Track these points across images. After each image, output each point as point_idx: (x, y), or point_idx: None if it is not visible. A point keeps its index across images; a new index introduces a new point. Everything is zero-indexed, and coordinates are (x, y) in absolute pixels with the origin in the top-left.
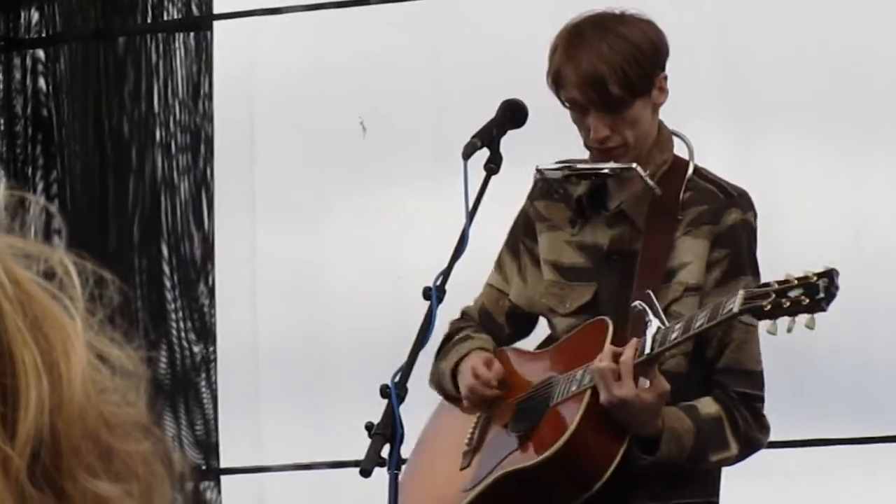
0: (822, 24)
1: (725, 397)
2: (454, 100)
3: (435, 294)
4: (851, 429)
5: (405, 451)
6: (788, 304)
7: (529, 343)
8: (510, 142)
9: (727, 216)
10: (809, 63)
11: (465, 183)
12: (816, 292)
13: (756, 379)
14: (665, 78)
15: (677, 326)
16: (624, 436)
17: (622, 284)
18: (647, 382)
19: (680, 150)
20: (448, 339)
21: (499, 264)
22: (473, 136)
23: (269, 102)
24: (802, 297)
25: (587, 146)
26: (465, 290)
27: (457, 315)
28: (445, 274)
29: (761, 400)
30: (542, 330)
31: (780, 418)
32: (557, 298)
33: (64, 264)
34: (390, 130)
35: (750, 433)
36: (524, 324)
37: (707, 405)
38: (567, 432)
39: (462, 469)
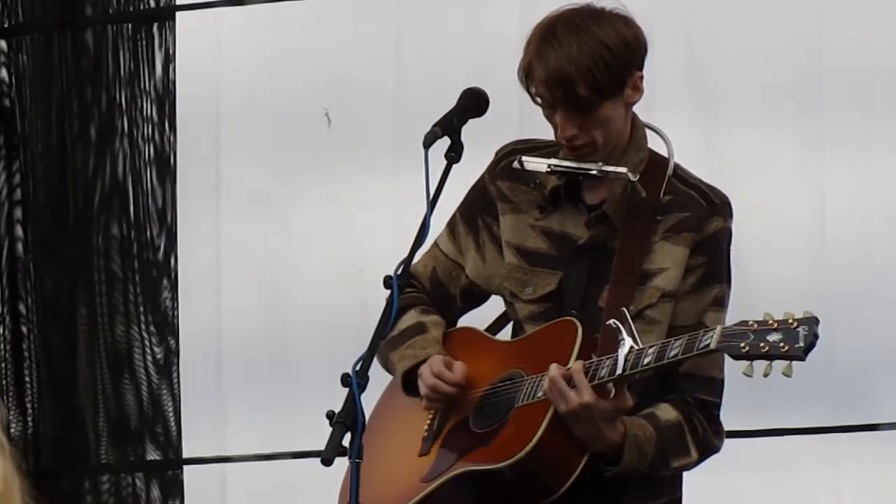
0: (785, 11)
1: (683, 403)
2: (416, 90)
3: (396, 283)
4: (815, 418)
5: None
6: (767, 348)
7: (480, 316)
8: (471, 130)
9: (709, 224)
10: (773, 51)
11: (426, 172)
12: (796, 340)
13: (716, 387)
14: (641, 77)
15: (650, 351)
16: (586, 448)
17: (591, 279)
18: (612, 392)
19: (655, 143)
20: (399, 314)
21: (452, 232)
22: (434, 125)
23: (232, 92)
24: (782, 344)
25: (558, 141)
26: None
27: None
28: (406, 262)
29: (718, 408)
30: (492, 305)
31: (743, 409)
32: (520, 283)
33: None
34: (352, 120)
35: (707, 438)
36: (478, 299)
37: (666, 412)
38: (532, 441)
39: (421, 456)
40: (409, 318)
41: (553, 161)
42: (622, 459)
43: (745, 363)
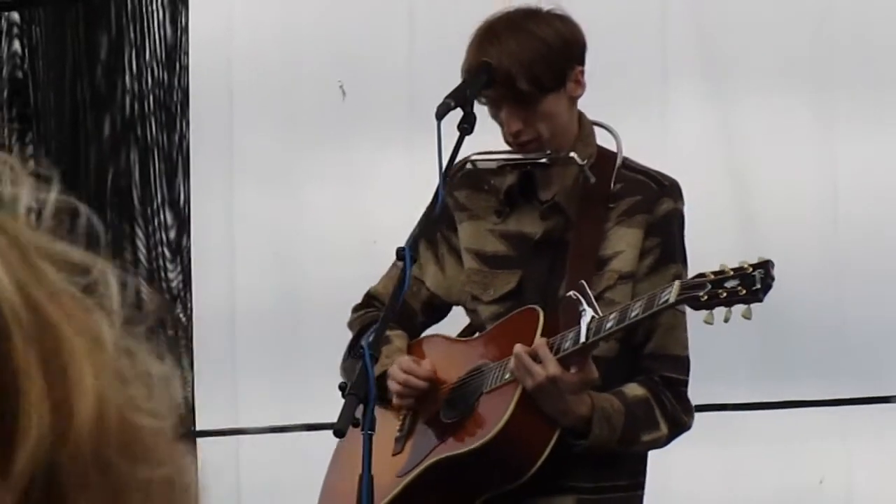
0: None
1: (650, 381)
2: (430, 62)
3: (408, 254)
4: (827, 391)
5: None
6: (724, 294)
7: (443, 329)
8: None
9: (660, 205)
10: (785, 24)
11: (438, 143)
12: (753, 283)
13: (682, 364)
14: (582, 72)
15: (612, 316)
16: (556, 423)
17: (551, 273)
18: (575, 369)
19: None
20: (362, 332)
21: None
22: (447, 97)
23: (245, 66)
24: (739, 288)
25: (506, 141)
26: None
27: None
28: (418, 234)
29: (686, 384)
30: (454, 318)
31: (755, 381)
32: (481, 286)
33: (104, 275)
34: (366, 93)
35: (676, 415)
36: (439, 312)
37: (633, 389)
38: (501, 421)
39: (395, 455)
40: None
41: (503, 155)
42: (591, 432)
43: (705, 312)
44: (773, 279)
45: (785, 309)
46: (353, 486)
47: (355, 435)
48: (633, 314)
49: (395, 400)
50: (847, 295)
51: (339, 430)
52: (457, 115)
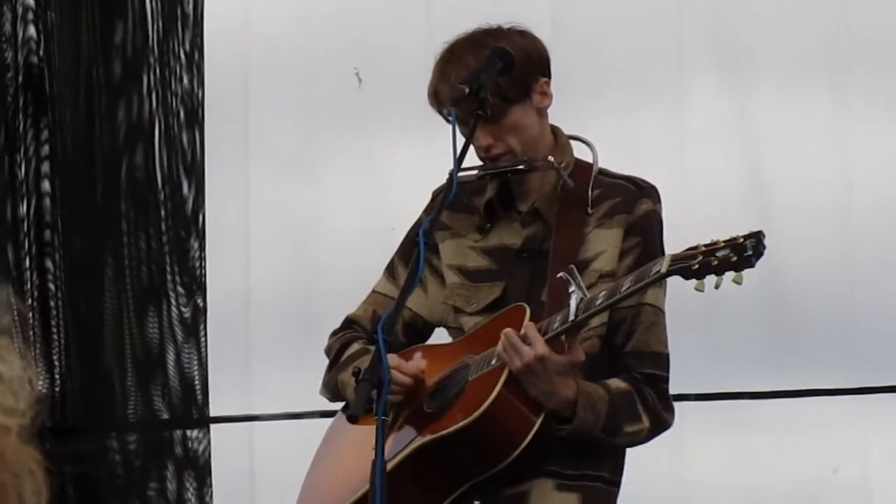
0: None
1: (631, 378)
2: None
3: (423, 240)
4: (839, 380)
5: None
6: (716, 262)
7: None
8: None
9: (639, 205)
10: (802, 16)
11: (452, 128)
12: (744, 250)
13: (662, 361)
14: (547, 83)
15: (602, 294)
16: (541, 407)
17: (533, 281)
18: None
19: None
20: (341, 351)
21: (391, 274)
22: (461, 82)
23: (262, 51)
24: (731, 255)
25: (480, 158)
26: None
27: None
28: (434, 220)
29: (666, 381)
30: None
31: (766, 370)
32: (464, 299)
33: None
34: (383, 80)
35: (658, 411)
36: (420, 333)
37: (616, 382)
38: (487, 401)
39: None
40: (353, 348)
41: (481, 165)
42: (576, 416)
43: (695, 281)
44: (764, 247)
45: (800, 299)
46: (345, 475)
47: (342, 427)
48: (625, 288)
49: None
50: (861, 285)
51: (352, 416)
52: None
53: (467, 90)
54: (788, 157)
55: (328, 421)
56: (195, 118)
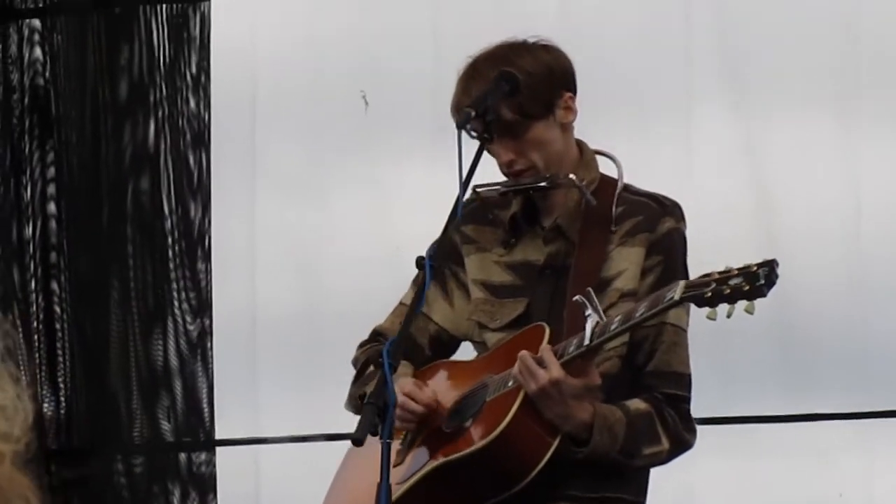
0: None
1: (652, 398)
2: (453, 72)
3: (428, 263)
4: (847, 404)
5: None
6: (728, 290)
7: None
8: None
9: (662, 224)
10: (809, 37)
11: (458, 151)
12: (757, 279)
13: (684, 381)
14: (571, 98)
15: (617, 318)
16: (557, 430)
17: (554, 298)
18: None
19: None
20: (366, 364)
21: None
22: (467, 106)
23: (268, 74)
24: (743, 284)
25: (503, 173)
26: None
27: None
28: (439, 243)
29: (688, 402)
30: (462, 354)
31: (775, 393)
32: (488, 315)
33: None
34: (390, 102)
35: (678, 431)
36: (447, 347)
37: (636, 403)
38: (502, 424)
39: (395, 465)
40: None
41: (504, 181)
42: (592, 439)
43: (707, 309)
44: (777, 276)
45: (807, 322)
46: (362, 495)
47: (365, 448)
48: (639, 314)
49: (395, 423)
50: (869, 309)
51: (357, 440)
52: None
53: (473, 113)
54: (797, 180)
55: (334, 444)
56: (201, 140)
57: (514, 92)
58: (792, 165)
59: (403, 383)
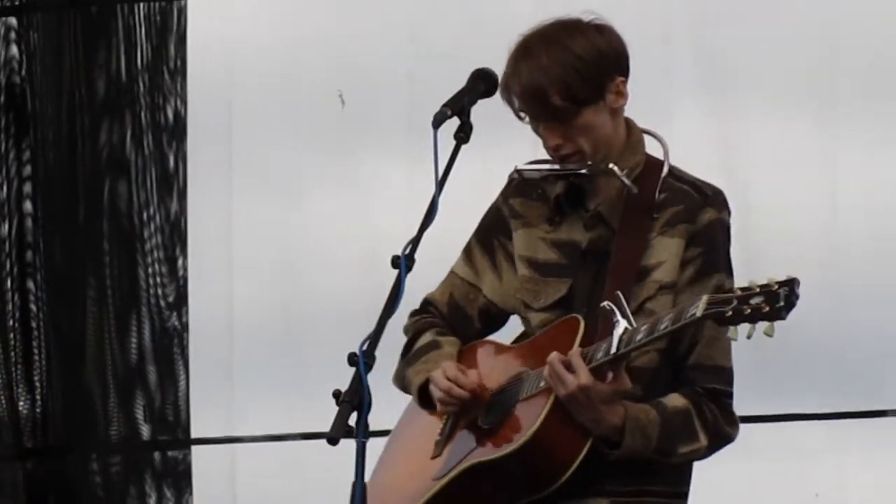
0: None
1: (693, 393)
2: (430, 72)
3: (404, 262)
4: (823, 405)
5: (372, 419)
6: (749, 310)
7: (501, 338)
8: (480, 111)
9: (703, 215)
10: (787, 40)
11: (434, 152)
12: (777, 300)
13: (725, 375)
14: (623, 82)
15: (643, 328)
16: (588, 433)
17: (596, 283)
18: (611, 376)
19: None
20: (414, 338)
21: (468, 256)
22: (444, 105)
23: (245, 74)
24: (763, 305)
25: (548, 153)
26: (435, 259)
27: (421, 289)
28: (415, 242)
29: (730, 396)
30: (512, 326)
31: (751, 394)
32: (532, 294)
33: None
34: (367, 102)
35: (719, 426)
36: (496, 320)
37: (674, 399)
38: (533, 427)
39: (433, 458)
40: (425, 339)
41: (546, 165)
42: (623, 441)
43: (730, 328)
44: (797, 297)
45: (781, 323)
46: (399, 484)
47: (409, 425)
48: (662, 326)
49: (438, 407)
50: (844, 311)
51: (332, 439)
52: (454, 123)
53: (449, 113)
54: (774, 180)
55: (309, 443)
56: (178, 139)
57: (490, 92)
58: (769, 167)
59: (447, 367)
